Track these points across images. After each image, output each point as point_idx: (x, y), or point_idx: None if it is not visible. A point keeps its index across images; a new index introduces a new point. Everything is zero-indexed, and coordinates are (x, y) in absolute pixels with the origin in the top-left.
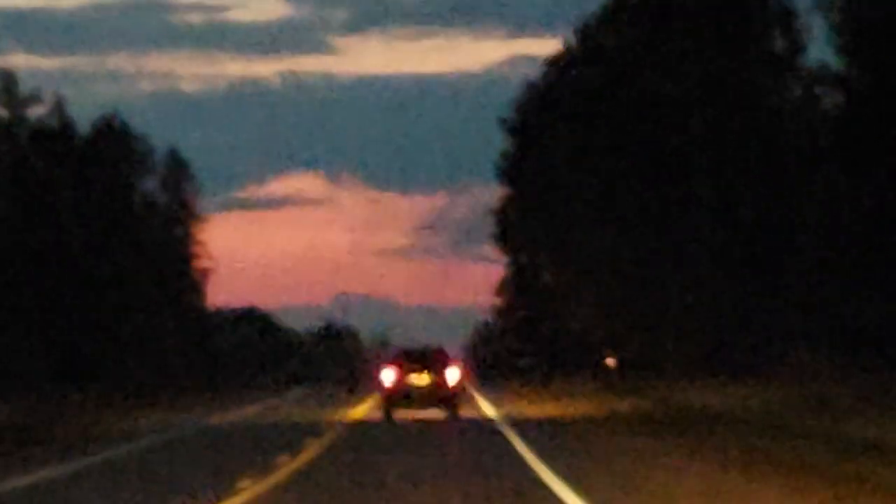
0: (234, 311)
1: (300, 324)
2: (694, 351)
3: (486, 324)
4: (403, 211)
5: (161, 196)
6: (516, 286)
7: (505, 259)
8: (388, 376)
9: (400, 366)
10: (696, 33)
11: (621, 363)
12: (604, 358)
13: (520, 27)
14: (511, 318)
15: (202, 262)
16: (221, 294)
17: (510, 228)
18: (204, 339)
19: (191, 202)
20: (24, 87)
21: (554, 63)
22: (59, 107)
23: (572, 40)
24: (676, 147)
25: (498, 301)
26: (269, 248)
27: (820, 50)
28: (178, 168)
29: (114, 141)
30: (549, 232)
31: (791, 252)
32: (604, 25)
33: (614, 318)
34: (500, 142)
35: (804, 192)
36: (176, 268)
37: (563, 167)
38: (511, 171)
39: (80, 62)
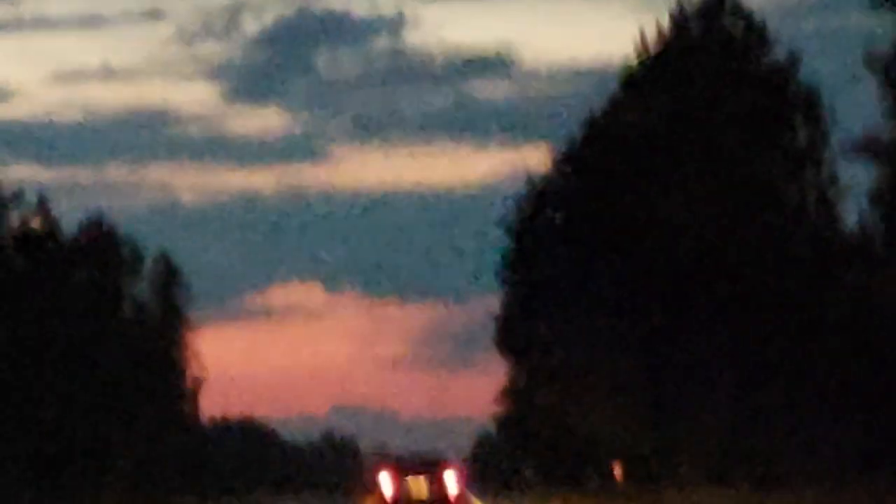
0: (230, 421)
1: (298, 434)
2: (707, 459)
3: (487, 433)
4: (402, 321)
5: (152, 302)
6: (518, 392)
7: (506, 365)
8: (386, 487)
9: (398, 476)
10: (708, 126)
11: (630, 472)
12: (611, 467)
13: (520, 139)
14: (513, 426)
15: (195, 370)
16: (218, 404)
17: (511, 332)
18: (198, 449)
19: (183, 308)
20: (8, 189)
21: (554, 168)
22: (43, 208)
23: (574, 142)
24: (686, 251)
25: (499, 409)
26: (267, 359)
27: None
28: (169, 273)
29: (101, 243)
30: (553, 335)
31: (812, 356)
32: (608, 122)
33: (622, 425)
34: (499, 251)
35: (826, 293)
36: (167, 375)
37: (564, 270)
38: (511, 272)
39: (79, 174)
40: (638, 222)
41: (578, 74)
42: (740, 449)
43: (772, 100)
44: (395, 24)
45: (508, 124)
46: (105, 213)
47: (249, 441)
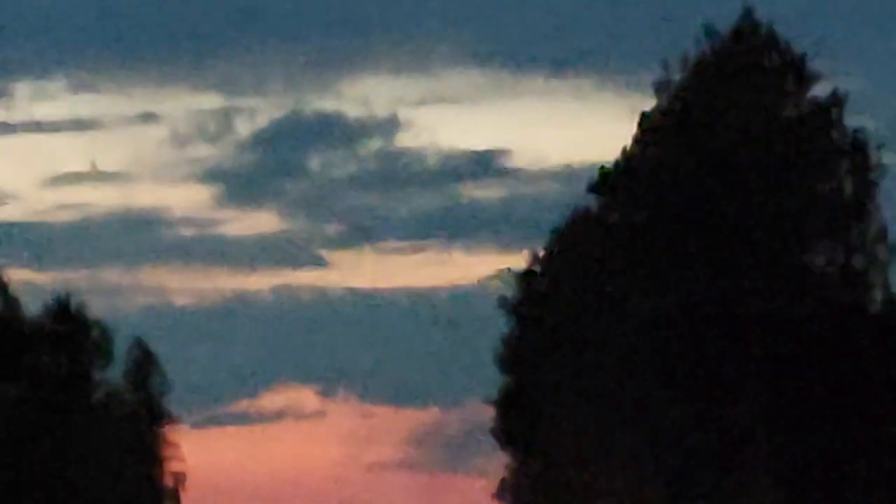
0: None
1: None
2: None
3: None
4: (397, 425)
5: (127, 391)
6: (520, 487)
7: (505, 460)
8: None
9: None
10: (736, 176)
11: None
12: None
13: (514, 242)
14: None
15: (175, 466)
16: None
17: (512, 420)
18: None
19: (159, 398)
20: None
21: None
22: (2, 288)
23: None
24: (709, 329)
25: None
26: (260, 462)
27: None
28: (144, 360)
29: (68, 326)
30: (560, 422)
31: (857, 443)
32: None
33: None
34: (493, 355)
35: (875, 371)
36: (143, 470)
37: (570, 352)
38: (513, 357)
39: (73, 277)
40: (652, 300)
41: (573, 177)
42: None
43: (812, 144)
44: (389, 127)
45: (502, 227)
46: (72, 296)
47: None
